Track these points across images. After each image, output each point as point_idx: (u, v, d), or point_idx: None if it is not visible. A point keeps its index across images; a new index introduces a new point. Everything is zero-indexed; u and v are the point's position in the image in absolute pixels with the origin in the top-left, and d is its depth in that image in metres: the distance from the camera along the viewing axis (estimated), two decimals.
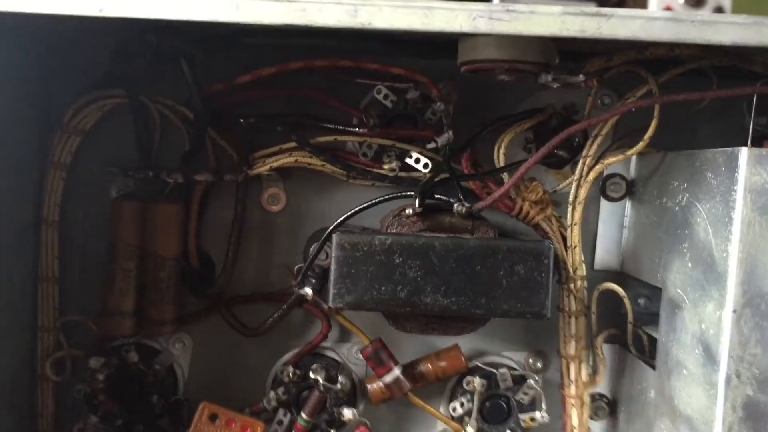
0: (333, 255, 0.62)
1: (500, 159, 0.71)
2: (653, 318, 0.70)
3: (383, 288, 0.61)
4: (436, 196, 0.67)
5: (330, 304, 0.62)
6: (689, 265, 0.61)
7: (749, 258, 0.54)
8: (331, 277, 0.62)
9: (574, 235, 0.70)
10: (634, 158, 0.75)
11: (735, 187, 0.54)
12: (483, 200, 0.65)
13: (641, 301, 0.75)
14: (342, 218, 0.67)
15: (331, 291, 0.62)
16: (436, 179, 0.68)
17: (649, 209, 0.71)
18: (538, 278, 0.61)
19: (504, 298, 0.62)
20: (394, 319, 0.67)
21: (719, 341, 0.55)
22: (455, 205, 0.64)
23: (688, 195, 0.62)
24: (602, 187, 0.76)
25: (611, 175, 0.76)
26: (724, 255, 0.55)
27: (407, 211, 0.64)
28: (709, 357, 0.56)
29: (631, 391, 0.73)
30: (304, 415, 0.71)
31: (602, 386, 0.77)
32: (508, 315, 0.62)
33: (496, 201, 0.69)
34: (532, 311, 0.62)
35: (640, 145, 0.65)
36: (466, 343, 0.76)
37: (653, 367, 0.67)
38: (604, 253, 0.77)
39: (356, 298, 0.62)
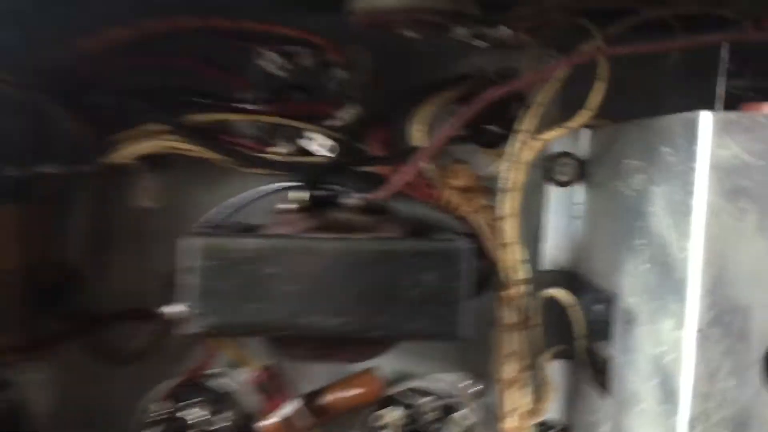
0: (189, 265, 0.48)
1: (418, 138, 0.58)
2: (606, 329, 0.57)
3: (256, 307, 0.48)
4: (329, 185, 0.53)
5: (189, 330, 0.48)
6: (646, 266, 0.47)
7: (716, 258, 0.40)
8: (189, 295, 0.48)
9: (509, 230, 0.57)
10: (586, 134, 0.62)
11: (695, 164, 0.40)
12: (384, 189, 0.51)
13: (598, 308, 0.61)
14: (205, 219, 0.54)
15: (191, 313, 0.48)
16: (328, 165, 0.54)
17: (603, 195, 0.57)
18: (449, 288, 0.48)
19: (408, 315, 0.48)
20: (277, 343, 0.53)
21: (679, 371, 0.41)
22: (348, 197, 0.51)
23: (643, 176, 0.48)
24: (548, 170, 0.62)
25: (559, 155, 0.62)
26: (684, 255, 0.41)
27: (288, 207, 0.51)
28: (669, 392, 0.42)
29: (585, 421, 0.59)
30: None
31: (555, 411, 0.63)
32: (415, 337, 0.49)
33: (411, 190, 0.56)
34: (442, 331, 0.48)
35: (584, 115, 0.52)
36: (388, 363, 0.62)
37: (608, 394, 0.54)
38: (554, 250, 0.63)
39: (221, 322, 0.48)
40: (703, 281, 0.40)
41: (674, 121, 0.43)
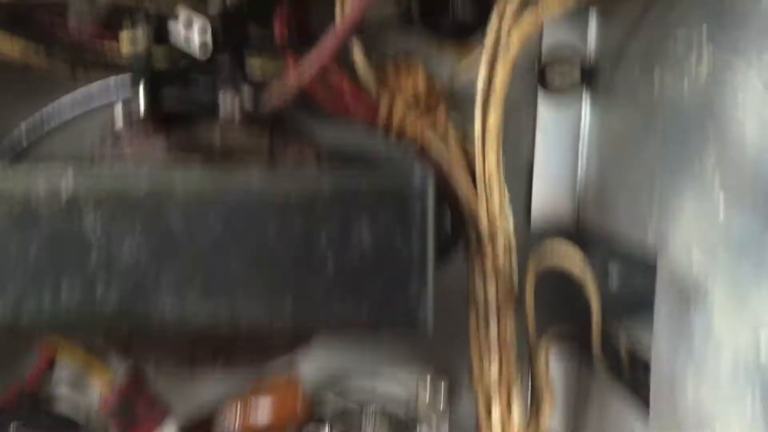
0: None
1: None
2: (635, 308, 0.38)
3: (64, 286, 0.28)
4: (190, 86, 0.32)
5: None
6: (720, 194, 0.28)
7: None
8: None
9: (490, 154, 0.37)
10: (593, 26, 0.42)
11: None
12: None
13: (612, 271, 0.43)
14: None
15: None
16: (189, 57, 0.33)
17: (627, 102, 0.38)
18: (403, 248, 0.28)
19: (333, 294, 0.29)
20: (123, 345, 0.33)
21: None
22: (222, 95, 0.30)
23: (711, 47, 0.29)
24: (540, 75, 0.43)
25: (556, 52, 0.43)
26: None
27: (119, 126, 0.30)
28: None
29: None
30: None
31: (557, 424, 0.45)
32: (346, 328, 0.29)
33: (335, 104, 0.36)
34: (396, 319, 0.29)
35: None
36: (314, 357, 0.43)
37: (645, 405, 0.35)
38: (547, 195, 0.44)
39: (7, 310, 0.28)
40: None
41: None
